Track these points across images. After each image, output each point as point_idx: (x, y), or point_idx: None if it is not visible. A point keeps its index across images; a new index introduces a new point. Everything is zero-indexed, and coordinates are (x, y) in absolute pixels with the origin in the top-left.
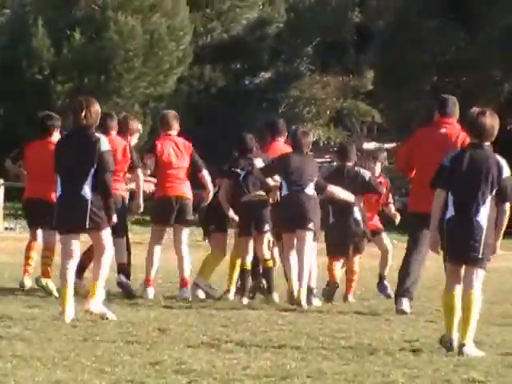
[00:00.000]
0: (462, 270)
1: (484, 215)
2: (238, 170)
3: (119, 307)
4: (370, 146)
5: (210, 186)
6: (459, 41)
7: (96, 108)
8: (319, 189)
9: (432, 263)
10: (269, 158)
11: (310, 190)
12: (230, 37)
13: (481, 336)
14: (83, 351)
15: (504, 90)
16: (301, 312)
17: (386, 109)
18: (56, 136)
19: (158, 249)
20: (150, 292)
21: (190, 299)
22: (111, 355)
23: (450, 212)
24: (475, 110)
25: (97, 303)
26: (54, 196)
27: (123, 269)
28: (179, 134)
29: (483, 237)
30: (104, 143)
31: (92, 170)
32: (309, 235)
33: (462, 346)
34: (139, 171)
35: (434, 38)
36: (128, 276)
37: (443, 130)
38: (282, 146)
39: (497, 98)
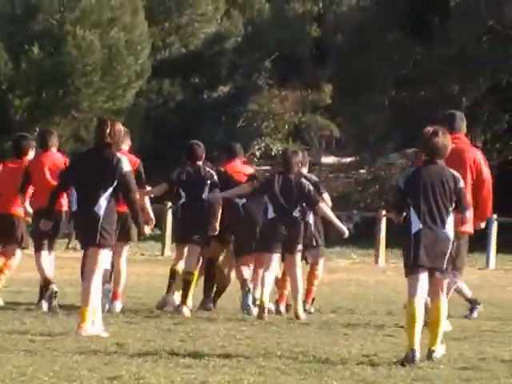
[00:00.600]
0: (426, 281)
1: (450, 226)
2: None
3: (76, 322)
4: (328, 159)
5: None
6: (417, 55)
7: (119, 127)
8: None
9: (389, 278)
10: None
11: (297, 212)
12: (189, 51)
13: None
14: (41, 366)
15: (462, 105)
16: (259, 326)
17: (344, 122)
18: (31, 155)
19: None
20: (118, 306)
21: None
22: (69, 370)
23: (417, 226)
24: (429, 129)
25: (89, 327)
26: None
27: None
28: (130, 150)
29: (449, 247)
30: (125, 164)
31: (110, 189)
32: (297, 257)
33: (431, 352)
34: None
35: (392, 52)
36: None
37: (453, 146)
38: (238, 165)
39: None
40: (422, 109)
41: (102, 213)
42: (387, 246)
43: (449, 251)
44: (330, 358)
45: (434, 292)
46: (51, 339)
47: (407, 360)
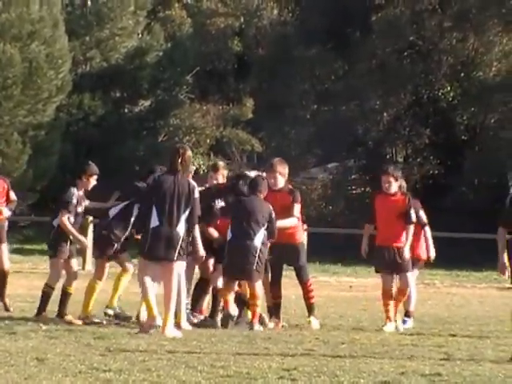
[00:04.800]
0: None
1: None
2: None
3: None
4: (250, 174)
5: None
6: (338, 69)
7: (189, 154)
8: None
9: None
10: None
11: (261, 235)
12: (110, 65)
13: (359, 364)
14: None
15: (383, 119)
16: (180, 341)
17: (265, 137)
18: None
19: None
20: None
21: None
22: None
23: None
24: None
25: (170, 328)
26: None
27: None
28: None
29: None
30: (197, 191)
31: (187, 212)
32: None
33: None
34: None
35: (313, 67)
36: None
37: None
38: None
39: (376, 126)
40: (343, 123)
41: (182, 232)
42: None
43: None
44: (250, 372)
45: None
46: None
47: None
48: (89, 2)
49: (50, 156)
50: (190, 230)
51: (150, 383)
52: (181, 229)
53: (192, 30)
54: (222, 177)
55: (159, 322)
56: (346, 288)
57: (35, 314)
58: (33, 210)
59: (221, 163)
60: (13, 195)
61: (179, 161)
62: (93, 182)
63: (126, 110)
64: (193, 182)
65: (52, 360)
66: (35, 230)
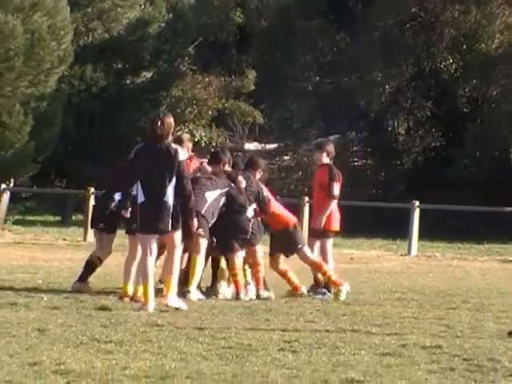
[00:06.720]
0: None
1: None
2: None
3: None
4: (251, 146)
5: None
6: (339, 42)
7: (170, 120)
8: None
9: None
10: None
11: (251, 211)
12: (111, 36)
13: (360, 336)
14: None
15: (385, 91)
16: (181, 313)
17: (267, 109)
18: None
19: None
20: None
21: None
22: None
23: None
24: None
25: (173, 297)
26: None
27: None
28: None
29: None
30: (181, 153)
31: (173, 179)
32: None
33: None
34: None
35: (315, 39)
36: None
37: None
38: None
39: (378, 98)
40: (345, 95)
41: (171, 202)
42: None
43: None
44: (251, 344)
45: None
46: None
47: None
48: None
49: (52, 127)
50: (181, 196)
51: (151, 354)
52: (169, 198)
53: (194, 0)
54: (187, 149)
55: (151, 308)
56: (347, 260)
57: (79, 281)
58: (34, 182)
59: (185, 136)
60: None
61: (159, 128)
62: None
63: (127, 82)
64: (174, 146)
65: (53, 331)
66: (37, 201)
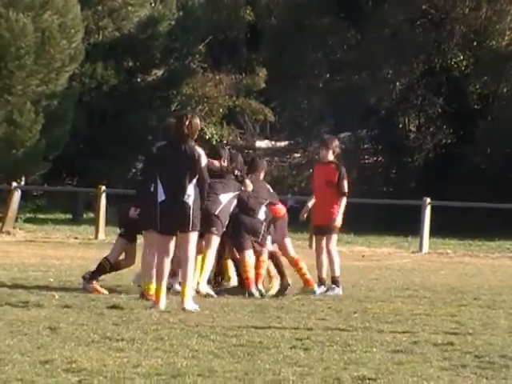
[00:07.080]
0: None
1: None
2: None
3: (10, 306)
4: (262, 144)
5: None
6: (351, 39)
7: (197, 121)
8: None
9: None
10: None
11: (262, 214)
12: (122, 34)
13: (371, 333)
14: None
15: (396, 88)
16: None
17: (278, 106)
18: None
19: None
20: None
21: None
22: (1, 354)
23: None
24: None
25: (190, 301)
26: None
27: None
28: None
29: None
30: (203, 158)
31: (194, 180)
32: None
33: None
34: None
35: (326, 36)
36: None
37: None
38: None
39: (389, 95)
40: (355, 93)
41: (191, 202)
42: None
43: None
44: (263, 342)
45: None
46: None
47: None
48: None
49: (63, 125)
50: (200, 198)
51: (162, 352)
52: (189, 199)
53: None
54: None
55: (163, 306)
56: (358, 257)
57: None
58: (46, 180)
59: None
60: None
61: (186, 128)
62: None
63: (138, 80)
64: (199, 150)
65: (65, 329)
66: (48, 199)
